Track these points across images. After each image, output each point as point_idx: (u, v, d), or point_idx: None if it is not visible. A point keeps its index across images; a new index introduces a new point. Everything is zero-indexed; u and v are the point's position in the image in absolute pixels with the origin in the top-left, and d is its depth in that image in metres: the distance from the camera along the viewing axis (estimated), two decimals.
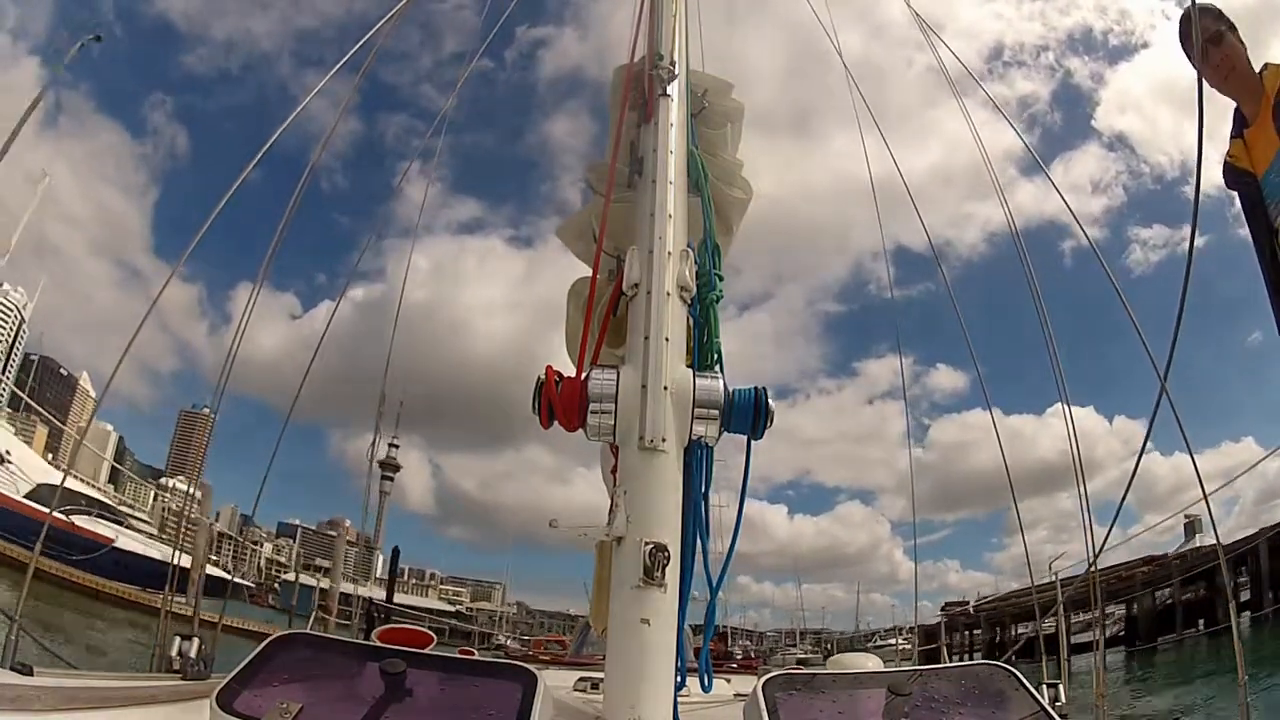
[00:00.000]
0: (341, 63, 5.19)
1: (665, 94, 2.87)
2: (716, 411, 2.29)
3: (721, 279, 2.64)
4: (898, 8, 8.59)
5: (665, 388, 2.26)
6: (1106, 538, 6.14)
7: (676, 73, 2.95)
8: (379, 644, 4.01)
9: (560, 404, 2.31)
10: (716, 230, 2.87)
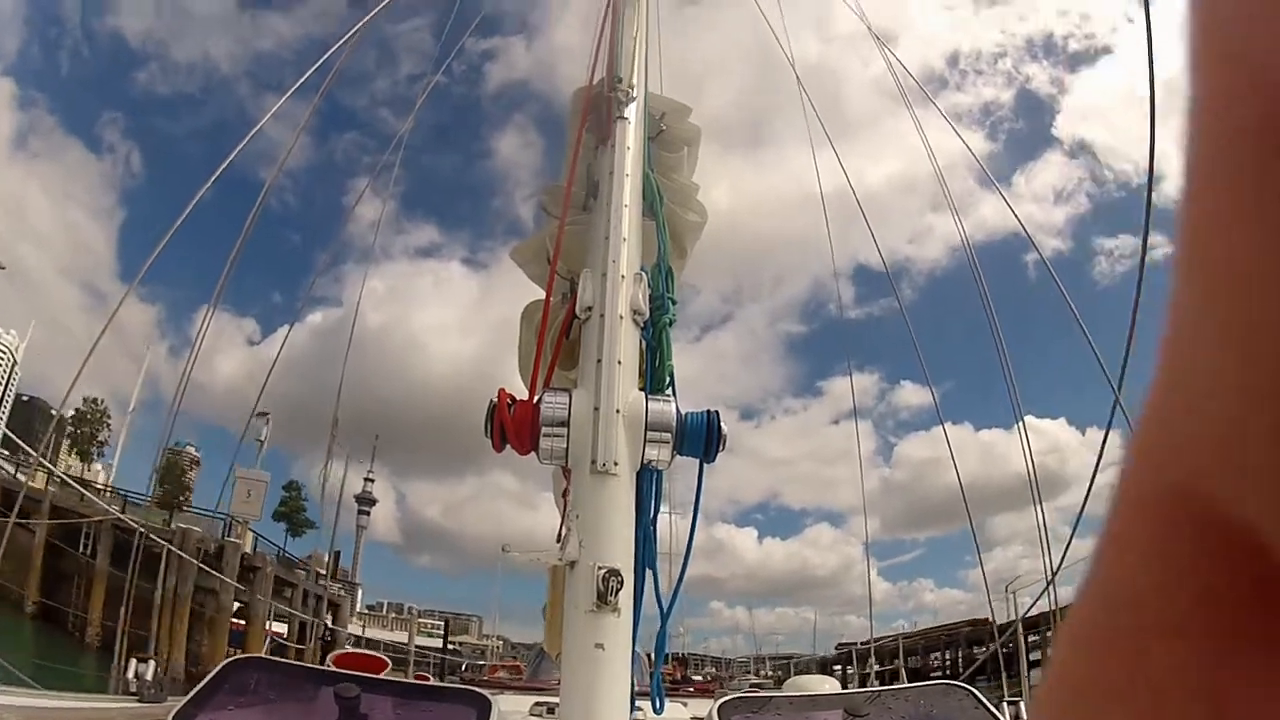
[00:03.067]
0: (297, 85, 5.19)
1: (623, 117, 2.89)
2: (669, 435, 2.29)
3: (674, 302, 2.64)
4: (856, 22, 8.80)
5: (618, 411, 2.26)
6: (1062, 562, 6.25)
7: (635, 96, 2.97)
8: (334, 669, 3.96)
9: (513, 427, 2.29)
10: (671, 254, 2.88)
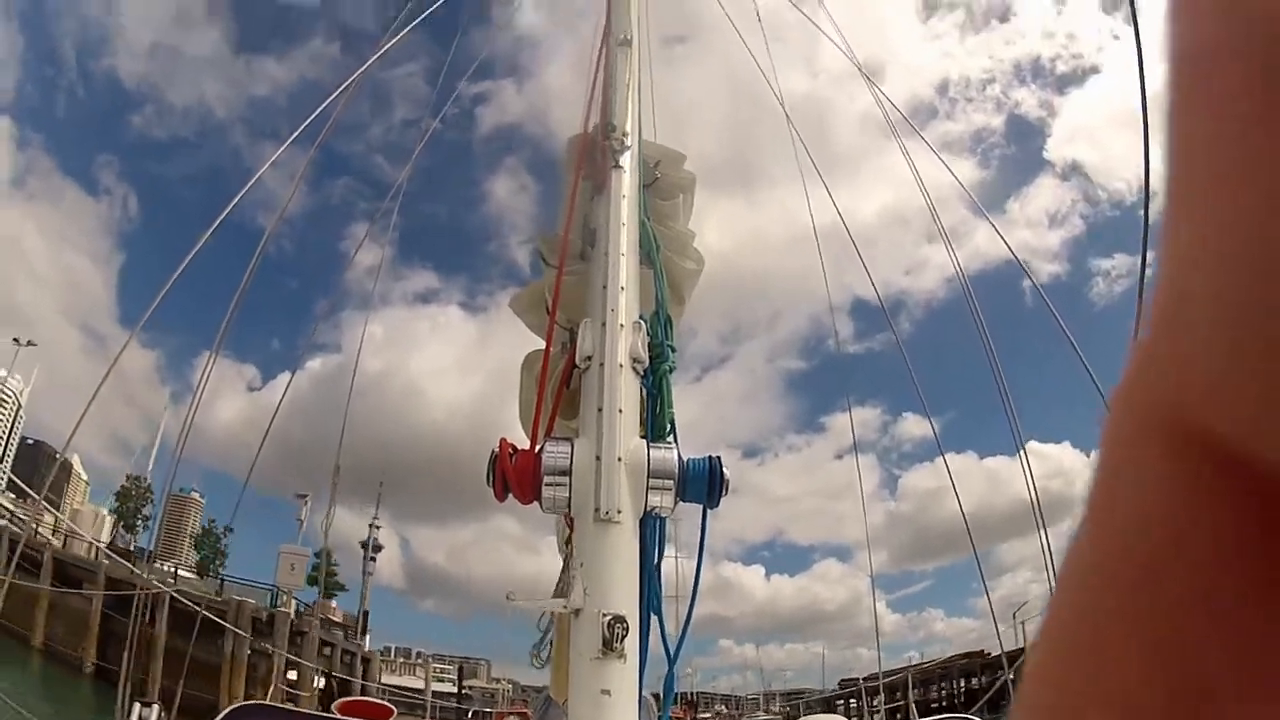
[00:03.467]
0: (295, 135, 5.26)
1: (618, 165, 2.93)
2: (671, 481, 2.31)
3: (674, 350, 2.67)
4: (843, 57, 8.93)
5: (619, 459, 2.27)
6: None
7: (629, 144, 3.01)
8: (338, 716, 3.95)
9: (514, 477, 2.31)
10: (669, 301, 2.91)
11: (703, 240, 3.56)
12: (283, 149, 5.38)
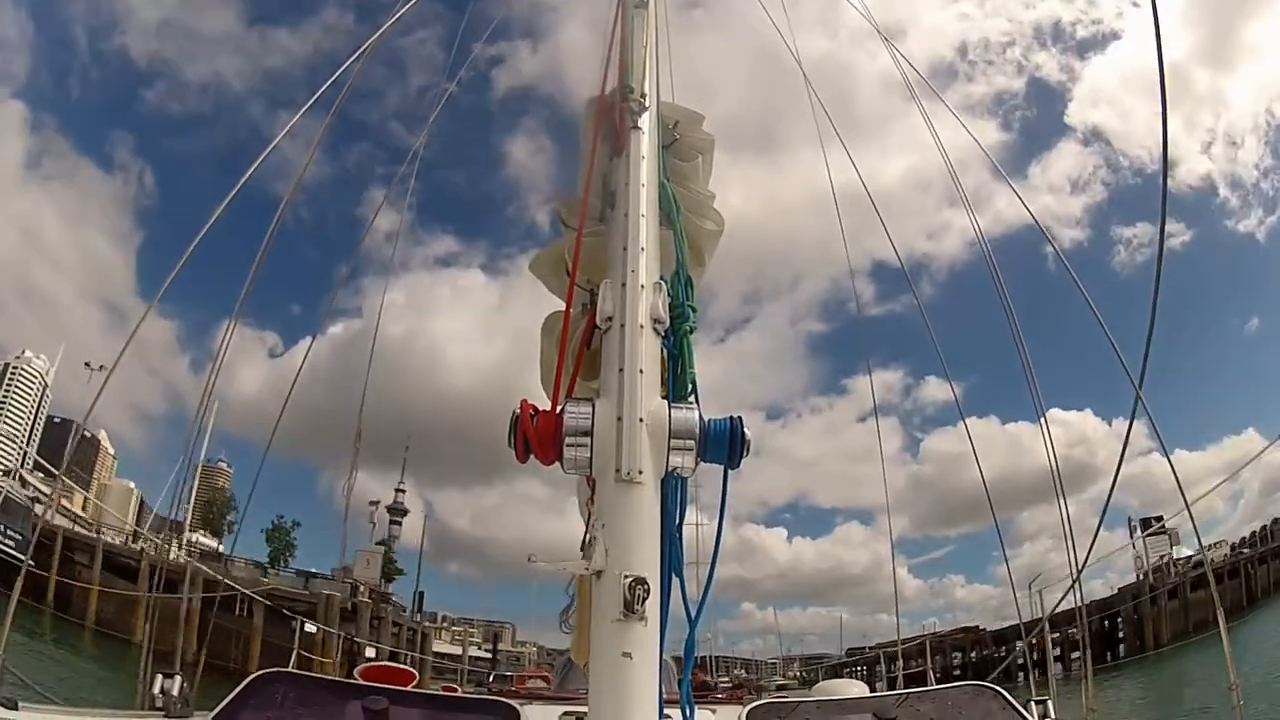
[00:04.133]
0: (311, 102, 5.24)
1: (636, 127, 2.89)
2: (692, 442, 2.30)
3: (695, 310, 2.65)
4: (862, 18, 8.78)
5: (640, 419, 2.27)
6: (1087, 558, 6.18)
7: (647, 105, 2.97)
8: (361, 681, 3.99)
9: (536, 437, 2.30)
10: (689, 262, 2.88)
11: (723, 202, 3.54)
12: (298, 116, 5.35)
